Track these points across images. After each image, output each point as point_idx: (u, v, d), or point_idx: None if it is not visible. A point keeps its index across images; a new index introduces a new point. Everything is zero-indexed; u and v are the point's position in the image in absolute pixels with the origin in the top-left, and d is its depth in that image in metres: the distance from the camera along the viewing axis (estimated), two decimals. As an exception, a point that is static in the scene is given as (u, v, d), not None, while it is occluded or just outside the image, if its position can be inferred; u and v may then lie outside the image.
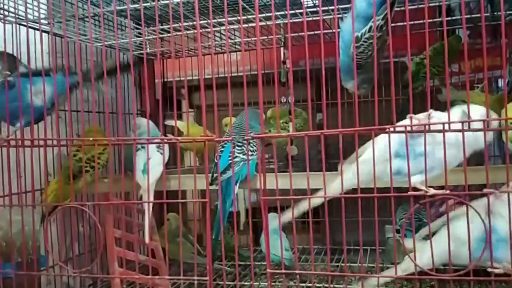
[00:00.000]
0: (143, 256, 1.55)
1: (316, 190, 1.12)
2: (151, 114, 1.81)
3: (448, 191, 0.98)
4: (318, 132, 1.13)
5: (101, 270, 1.61)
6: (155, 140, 1.26)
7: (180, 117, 2.24)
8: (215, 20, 1.59)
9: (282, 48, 2.03)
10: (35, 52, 1.30)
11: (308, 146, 1.10)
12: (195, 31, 1.68)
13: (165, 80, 2.31)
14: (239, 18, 1.50)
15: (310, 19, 1.54)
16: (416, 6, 1.46)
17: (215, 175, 1.40)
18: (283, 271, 1.09)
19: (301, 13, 1.52)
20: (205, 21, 1.60)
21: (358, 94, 1.37)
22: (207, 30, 1.74)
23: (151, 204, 1.35)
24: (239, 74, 2.12)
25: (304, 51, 1.16)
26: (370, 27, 1.21)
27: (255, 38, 1.81)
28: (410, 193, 1.01)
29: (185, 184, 1.33)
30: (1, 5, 1.37)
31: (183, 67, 1.91)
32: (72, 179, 1.32)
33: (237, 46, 2.03)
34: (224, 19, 1.38)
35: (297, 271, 1.07)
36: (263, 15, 1.59)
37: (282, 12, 1.53)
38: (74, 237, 1.60)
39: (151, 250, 1.58)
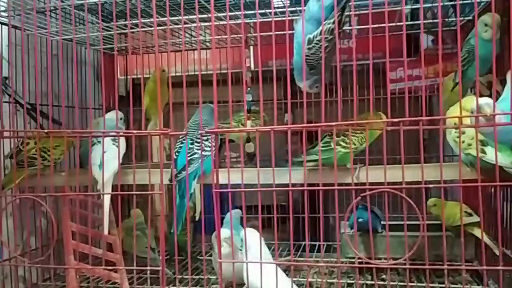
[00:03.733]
0: (100, 250, 1.56)
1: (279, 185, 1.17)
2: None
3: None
4: (284, 127, 1.18)
5: (60, 264, 1.61)
6: (111, 134, 1.27)
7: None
8: (186, 17, 1.61)
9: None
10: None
11: (275, 147, 1.14)
12: (164, 27, 1.68)
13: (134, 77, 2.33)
14: (209, 15, 1.52)
15: (279, 19, 1.58)
16: (377, 10, 1.53)
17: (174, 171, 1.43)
18: (233, 260, 1.14)
19: (269, 13, 1.56)
20: (176, 18, 1.61)
21: (312, 93, 1.44)
22: (178, 26, 1.74)
23: (108, 198, 1.37)
24: (209, 72, 2.14)
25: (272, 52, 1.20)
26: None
27: (225, 36, 1.85)
28: (352, 186, 1.08)
29: (144, 179, 1.35)
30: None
31: (153, 64, 1.91)
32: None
33: (207, 44, 2.05)
34: (194, 16, 1.42)
35: (245, 261, 1.11)
36: (232, 13, 1.60)
37: (251, 12, 1.55)
38: (29, 230, 1.60)
39: (109, 244, 1.59)
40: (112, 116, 1.36)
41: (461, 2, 1.44)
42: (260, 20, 1.59)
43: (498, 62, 1.13)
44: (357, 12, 1.87)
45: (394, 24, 1.82)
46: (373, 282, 1.55)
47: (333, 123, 1.09)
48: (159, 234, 1.61)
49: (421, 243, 1.26)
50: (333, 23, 1.26)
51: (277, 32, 1.36)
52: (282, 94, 2.03)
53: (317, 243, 1.93)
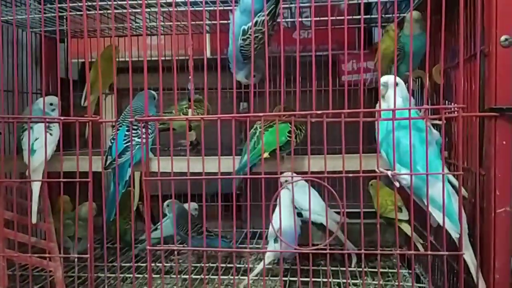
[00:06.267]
0: (33, 238, 1.53)
1: (213, 173, 1.19)
2: (55, 94, 1.75)
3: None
4: (215, 116, 1.17)
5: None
6: (37, 121, 1.25)
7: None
8: (134, 1, 1.59)
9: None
10: None
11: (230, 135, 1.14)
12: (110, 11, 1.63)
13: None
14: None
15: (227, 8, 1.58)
16: (320, 4, 1.55)
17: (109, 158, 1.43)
18: (162, 247, 1.15)
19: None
20: (123, 2, 1.58)
21: (247, 84, 1.46)
22: (124, 11, 1.70)
23: (38, 185, 1.35)
24: (153, 58, 2.11)
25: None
26: (256, 22, 1.29)
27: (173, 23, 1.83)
28: (278, 175, 1.11)
29: (74, 166, 1.32)
30: None
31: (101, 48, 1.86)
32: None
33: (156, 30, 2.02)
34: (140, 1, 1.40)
35: (174, 247, 1.13)
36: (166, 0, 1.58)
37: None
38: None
39: (44, 232, 1.56)
40: (44, 102, 1.33)
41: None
42: (206, 8, 1.60)
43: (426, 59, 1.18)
44: (305, 4, 1.91)
45: (343, 17, 1.85)
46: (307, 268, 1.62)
47: (261, 114, 1.12)
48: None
49: (356, 229, 1.33)
50: (267, 14, 1.28)
51: (222, 21, 1.37)
52: (239, 83, 2.03)
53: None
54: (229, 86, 1.53)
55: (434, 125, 1.33)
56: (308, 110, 1.10)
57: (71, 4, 1.48)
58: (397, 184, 1.10)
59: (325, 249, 1.10)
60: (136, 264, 1.47)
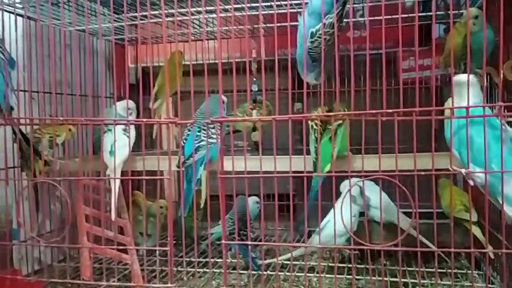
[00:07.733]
0: (111, 232, 1.64)
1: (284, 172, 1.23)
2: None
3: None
4: (285, 116, 1.22)
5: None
6: (122, 122, 1.34)
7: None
8: (193, 9, 1.67)
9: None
10: (10, 35, 1.39)
11: (285, 135, 1.19)
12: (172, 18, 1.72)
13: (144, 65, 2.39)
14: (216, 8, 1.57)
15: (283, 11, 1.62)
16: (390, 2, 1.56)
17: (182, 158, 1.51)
18: (237, 242, 1.21)
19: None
20: (184, 10, 1.67)
21: (317, 84, 1.48)
22: (185, 17, 1.80)
23: (118, 183, 1.44)
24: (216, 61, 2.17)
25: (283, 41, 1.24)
26: (324, 24, 1.32)
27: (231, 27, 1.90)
28: (349, 173, 1.14)
29: (153, 165, 1.41)
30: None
31: (162, 53, 1.95)
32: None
33: (215, 34, 2.10)
34: (201, 8, 1.48)
35: (249, 242, 1.18)
36: (238, 5, 1.64)
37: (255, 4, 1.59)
38: (45, 212, 1.68)
39: (121, 227, 1.67)
40: (122, 105, 1.43)
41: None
42: (263, 12, 1.65)
43: (496, 55, 1.16)
44: (371, 4, 1.90)
45: (406, 15, 1.84)
46: (374, 267, 1.62)
47: (331, 113, 1.14)
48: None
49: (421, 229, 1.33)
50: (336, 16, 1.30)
51: (278, 24, 1.41)
52: (297, 83, 2.03)
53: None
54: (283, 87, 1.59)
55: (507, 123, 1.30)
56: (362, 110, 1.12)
57: (141, 13, 1.59)
58: (471, 183, 1.09)
59: (397, 247, 1.11)
60: (204, 260, 1.54)
